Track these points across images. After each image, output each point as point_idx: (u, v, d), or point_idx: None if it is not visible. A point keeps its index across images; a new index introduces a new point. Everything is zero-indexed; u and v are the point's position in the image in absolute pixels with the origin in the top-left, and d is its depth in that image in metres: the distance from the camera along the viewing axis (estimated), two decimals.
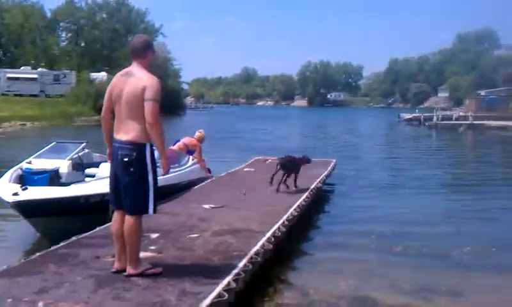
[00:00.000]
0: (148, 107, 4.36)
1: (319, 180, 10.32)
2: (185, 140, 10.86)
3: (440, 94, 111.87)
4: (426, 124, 42.33)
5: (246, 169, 12.28)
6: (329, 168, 12.07)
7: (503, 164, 17.78)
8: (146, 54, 4.66)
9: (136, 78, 4.48)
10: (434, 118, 42.34)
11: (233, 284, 4.45)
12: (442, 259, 6.65)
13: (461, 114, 44.88)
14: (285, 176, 9.29)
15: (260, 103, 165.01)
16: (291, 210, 7.48)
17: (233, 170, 12.07)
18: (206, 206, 7.81)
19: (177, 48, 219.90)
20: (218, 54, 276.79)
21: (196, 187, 9.69)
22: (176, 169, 9.60)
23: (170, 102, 56.35)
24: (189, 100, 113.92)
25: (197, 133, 11.07)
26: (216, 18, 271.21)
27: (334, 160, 13.31)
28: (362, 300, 5.18)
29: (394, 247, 7.07)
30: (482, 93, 62.90)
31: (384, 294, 5.34)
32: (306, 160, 9.92)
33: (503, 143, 29.11)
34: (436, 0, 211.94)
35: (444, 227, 8.55)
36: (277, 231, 6.31)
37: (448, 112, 48.74)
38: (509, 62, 78.77)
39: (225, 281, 4.46)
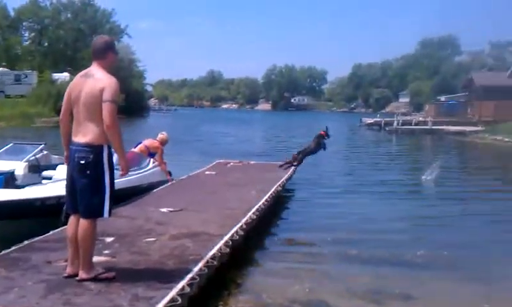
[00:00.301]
0: (106, 108, 4.31)
1: (278, 183, 10.39)
2: (147, 142, 10.76)
3: (401, 100, 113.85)
4: (387, 129, 43.03)
5: (207, 172, 12.26)
6: (289, 172, 12.17)
7: (459, 169, 18.26)
8: (107, 55, 4.61)
9: (95, 80, 4.43)
10: (395, 123, 43.07)
11: (188, 289, 4.44)
12: (396, 263, 6.78)
13: (420, 119, 45.79)
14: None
15: (224, 106, 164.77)
16: (250, 213, 7.50)
17: (194, 173, 12.02)
18: (164, 209, 7.76)
19: (142, 49, 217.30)
20: (184, 55, 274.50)
21: (155, 190, 9.62)
22: (136, 172, 9.52)
23: (134, 104, 55.81)
24: (152, 102, 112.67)
25: (160, 136, 10.98)
26: (183, 20, 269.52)
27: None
28: (316, 304, 5.24)
29: (349, 251, 7.17)
30: (442, 98, 64.39)
31: (338, 298, 5.42)
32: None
33: (460, 148, 29.86)
34: (401, 6, 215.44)
35: (399, 231, 8.72)
36: (235, 234, 6.32)
37: (408, 117, 49.69)
38: (469, 68, 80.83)
39: (179, 286, 4.45)
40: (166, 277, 4.67)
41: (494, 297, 5.60)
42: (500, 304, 5.48)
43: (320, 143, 12.76)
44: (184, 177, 11.29)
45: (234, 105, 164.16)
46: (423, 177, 14.00)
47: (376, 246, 7.45)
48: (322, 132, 12.96)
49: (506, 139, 31.00)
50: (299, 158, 12.71)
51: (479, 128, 37.54)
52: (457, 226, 9.35)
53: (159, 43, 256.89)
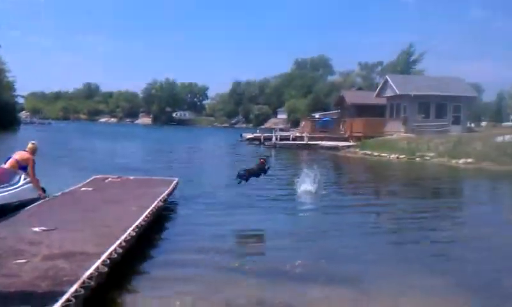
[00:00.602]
0: None
1: (159, 198, 10.25)
2: (17, 155, 10.12)
3: (279, 116, 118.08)
4: (266, 144, 44.24)
5: (83, 189, 11.74)
6: (170, 187, 12.05)
7: (334, 182, 19.21)
8: None
9: None
10: (273, 138, 44.46)
11: None
12: (276, 273, 6.97)
13: (297, 134, 47.64)
14: None
15: (102, 119, 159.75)
16: (129, 230, 7.31)
17: (69, 189, 11.44)
18: (37, 228, 7.31)
19: (13, 59, 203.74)
20: (58, 67, 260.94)
21: (27, 208, 9.03)
22: (6, 189, 8.91)
23: (3, 116, 52.16)
24: (24, 115, 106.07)
25: (29, 145, 10.38)
26: (71, 35, 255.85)
27: (176, 179, 13.32)
28: None
29: (231, 263, 7.25)
30: (317, 115, 67.65)
31: None
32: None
33: (334, 162, 31.49)
34: (273, 26, 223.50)
35: (278, 243, 8.98)
36: (113, 253, 6.12)
37: (286, 133, 51.54)
38: (340, 87, 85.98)
39: None
40: (39, 300, 4.41)
41: (368, 302, 5.95)
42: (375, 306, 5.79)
43: (261, 168, 13.74)
44: (58, 194, 10.69)
45: (113, 119, 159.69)
46: (301, 189, 14.55)
47: (256, 257, 7.63)
48: (261, 160, 13.97)
49: (375, 153, 33.34)
50: (246, 176, 13.49)
51: (351, 143, 39.95)
52: (334, 236, 9.82)
53: (31, 52, 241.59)
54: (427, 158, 30.22)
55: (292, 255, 7.88)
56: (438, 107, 40.79)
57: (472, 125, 47.50)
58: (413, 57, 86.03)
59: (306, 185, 14.57)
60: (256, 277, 6.78)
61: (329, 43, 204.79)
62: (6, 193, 8.71)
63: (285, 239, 9.35)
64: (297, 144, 42.05)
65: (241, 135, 54.23)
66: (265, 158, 14.33)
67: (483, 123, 61.05)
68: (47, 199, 10.04)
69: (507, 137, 29.48)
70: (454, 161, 28.35)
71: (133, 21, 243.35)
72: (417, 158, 30.46)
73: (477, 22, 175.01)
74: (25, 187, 9.63)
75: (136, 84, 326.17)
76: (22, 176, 9.77)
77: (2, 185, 9.18)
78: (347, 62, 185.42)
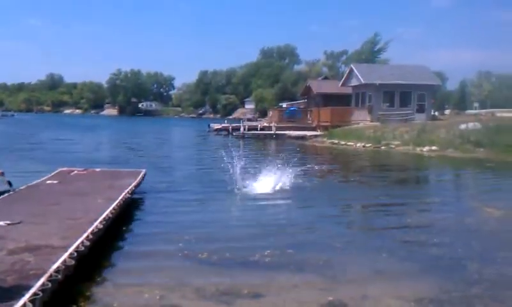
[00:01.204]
0: None
1: (127, 190, 10.17)
2: None
3: (246, 106, 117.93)
4: (234, 134, 44.24)
5: (48, 181, 11.55)
6: (138, 178, 11.96)
7: (304, 172, 19.32)
8: None
9: None
10: (241, 128, 44.45)
11: (30, 305, 4.17)
12: (244, 263, 7.01)
13: (265, 124, 47.73)
14: None
15: (67, 111, 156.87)
16: (96, 223, 7.25)
17: (34, 183, 11.24)
18: (1, 222, 7.18)
19: None
20: (19, 58, 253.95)
21: None
22: None
23: None
24: None
25: None
26: (14, 19, 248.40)
27: (144, 170, 13.23)
28: None
29: (200, 254, 7.26)
30: (284, 104, 67.90)
31: (189, 301, 5.47)
32: None
33: (302, 151, 31.68)
34: (240, 13, 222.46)
35: (247, 233, 9.02)
36: (80, 245, 6.07)
37: (254, 123, 51.63)
38: (306, 76, 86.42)
39: (20, 303, 4.17)
40: (5, 294, 4.35)
41: (336, 289, 6.04)
42: (342, 295, 5.89)
43: None
44: (22, 187, 10.49)
45: (78, 110, 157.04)
46: (269, 181, 14.53)
47: (225, 249, 7.63)
48: None
49: (342, 142, 33.71)
50: None
51: (318, 132, 40.25)
52: (302, 226, 9.88)
53: None
54: (393, 146, 30.72)
55: (260, 245, 7.91)
56: (403, 96, 41.45)
57: (436, 113, 48.40)
58: (378, 46, 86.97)
59: (274, 176, 14.57)
60: (225, 267, 6.81)
61: (294, 31, 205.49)
62: None
63: (253, 229, 9.39)
64: (265, 134, 42.16)
65: (209, 125, 54.06)
66: None
67: (447, 111, 62.31)
68: (12, 193, 9.83)
69: (470, 125, 30.20)
70: (418, 149, 28.90)
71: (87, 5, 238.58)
72: (383, 147, 30.93)
73: (441, 10, 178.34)
74: None
75: (98, 74, 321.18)
76: None
77: None
78: (313, 52, 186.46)
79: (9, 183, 10.02)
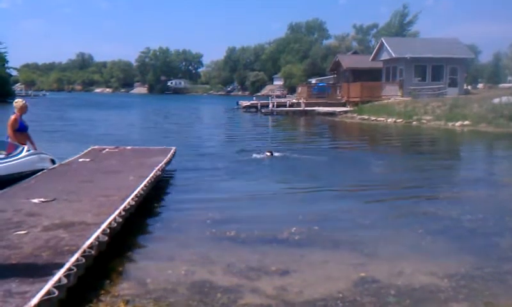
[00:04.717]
0: None
1: (157, 168, 10.25)
2: (8, 127, 9.95)
3: (275, 83, 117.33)
4: (263, 111, 44.16)
5: (81, 160, 11.73)
6: (168, 156, 12.05)
7: (332, 146, 19.24)
8: None
9: None
10: (270, 105, 44.32)
11: (64, 280, 4.26)
12: (272, 240, 6.99)
13: (294, 100, 47.48)
14: None
15: (97, 90, 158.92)
16: (128, 199, 7.33)
17: (66, 161, 11.44)
18: (35, 200, 7.33)
19: (2, 31, 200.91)
20: (50, 38, 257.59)
21: (24, 180, 9.02)
22: (4, 160, 8.88)
23: None
24: (18, 87, 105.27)
25: (15, 105, 10.11)
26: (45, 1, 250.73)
27: (174, 148, 13.31)
28: (198, 285, 5.28)
29: (228, 231, 7.28)
30: (313, 80, 67.36)
31: (219, 277, 5.50)
32: None
33: (332, 127, 31.51)
34: None
35: (273, 209, 9.07)
36: (113, 222, 6.15)
37: (282, 99, 51.38)
38: (336, 51, 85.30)
39: (55, 278, 4.25)
40: (41, 270, 4.44)
41: (368, 265, 6.00)
42: (374, 271, 5.84)
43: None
44: (55, 165, 10.70)
45: (108, 89, 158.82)
46: (297, 155, 14.54)
47: (253, 225, 7.65)
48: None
49: (372, 118, 33.33)
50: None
51: (348, 108, 39.85)
52: (328, 200, 9.89)
53: (21, 24, 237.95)
54: (424, 121, 30.23)
55: (287, 221, 7.85)
56: (435, 70, 40.61)
57: (469, 87, 47.33)
58: (407, 19, 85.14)
59: (298, 151, 14.56)
60: (254, 245, 6.79)
61: (323, 5, 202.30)
62: (4, 164, 8.68)
63: (280, 206, 9.41)
64: (294, 111, 41.95)
65: (237, 102, 54.05)
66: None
67: (480, 85, 60.86)
68: (45, 171, 9.99)
69: (504, 99, 29.43)
70: (450, 124, 28.39)
71: None
72: (414, 122, 30.48)
73: None
74: (25, 159, 9.56)
75: (128, 53, 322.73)
76: (25, 148, 9.70)
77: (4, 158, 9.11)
78: (342, 26, 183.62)
79: (53, 161, 10.16)
